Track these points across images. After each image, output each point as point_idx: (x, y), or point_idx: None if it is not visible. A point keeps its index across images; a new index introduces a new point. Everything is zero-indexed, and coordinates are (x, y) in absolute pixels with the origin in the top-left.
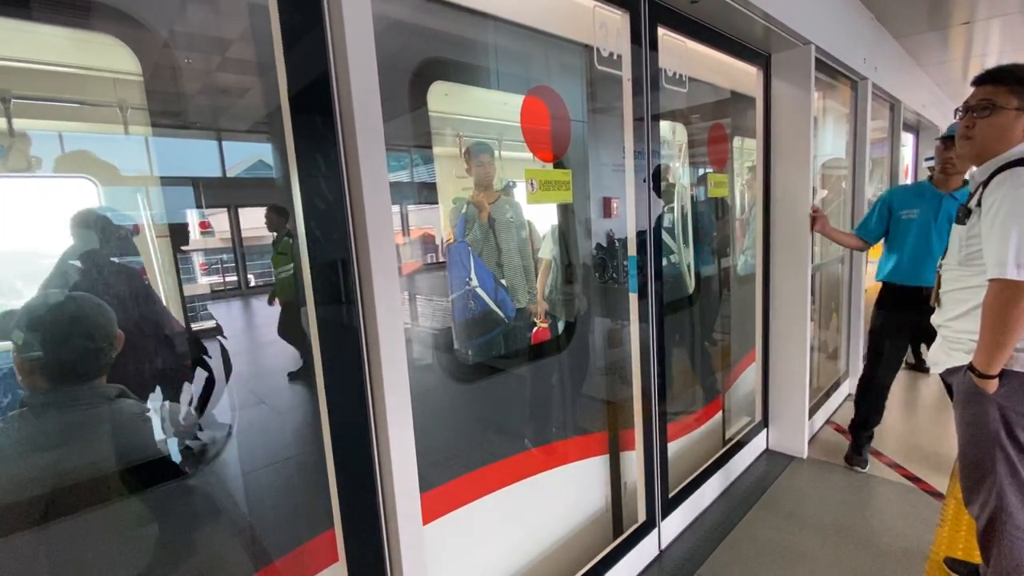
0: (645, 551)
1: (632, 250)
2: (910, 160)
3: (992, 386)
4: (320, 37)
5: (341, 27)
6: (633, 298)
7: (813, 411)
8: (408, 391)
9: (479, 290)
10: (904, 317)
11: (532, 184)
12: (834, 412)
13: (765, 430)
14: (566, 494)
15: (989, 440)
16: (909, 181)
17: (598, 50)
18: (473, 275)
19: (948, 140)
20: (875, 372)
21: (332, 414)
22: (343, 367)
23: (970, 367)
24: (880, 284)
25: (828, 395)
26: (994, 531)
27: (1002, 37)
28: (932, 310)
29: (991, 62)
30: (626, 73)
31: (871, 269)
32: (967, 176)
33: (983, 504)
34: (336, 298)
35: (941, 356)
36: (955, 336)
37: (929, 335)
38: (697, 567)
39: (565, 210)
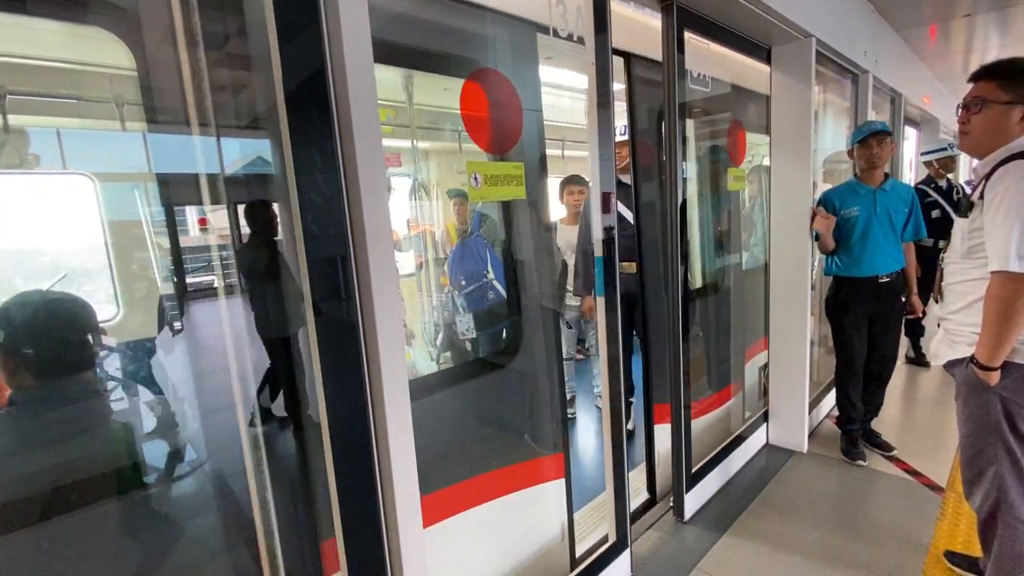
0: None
1: (598, 251)
2: (913, 155)
3: (994, 378)
4: (316, 32)
5: (337, 21)
6: (600, 301)
7: (813, 405)
8: (407, 392)
9: (495, 282)
10: (864, 306)
11: (475, 178)
12: (834, 406)
13: (765, 424)
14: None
15: (991, 432)
16: (912, 176)
17: (554, 30)
18: (490, 267)
19: (870, 138)
20: (849, 365)
21: (332, 418)
22: (342, 368)
23: (972, 359)
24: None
25: (828, 389)
26: (995, 523)
27: (1003, 30)
28: (886, 297)
29: (992, 55)
30: (589, 56)
31: None
32: (972, 168)
33: (984, 496)
34: (335, 295)
35: (943, 349)
36: (957, 329)
37: (877, 322)
38: (697, 562)
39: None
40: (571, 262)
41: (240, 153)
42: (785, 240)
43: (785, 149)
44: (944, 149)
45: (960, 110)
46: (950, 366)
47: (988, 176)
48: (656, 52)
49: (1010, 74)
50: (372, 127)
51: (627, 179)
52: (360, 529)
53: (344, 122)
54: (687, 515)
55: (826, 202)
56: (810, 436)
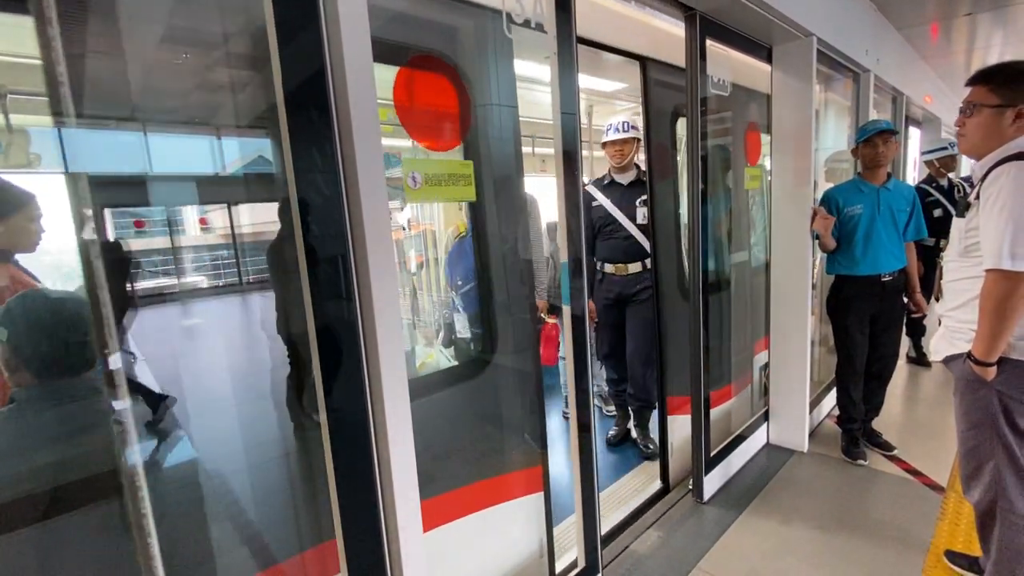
0: None
1: (563, 255)
2: (918, 154)
3: (990, 374)
4: (315, 31)
5: (336, 21)
6: (566, 311)
7: (814, 405)
8: (407, 390)
9: None
10: (866, 305)
11: (413, 179)
12: (835, 406)
13: (766, 424)
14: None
15: (988, 427)
16: (916, 175)
17: (509, 15)
18: None
19: (876, 137)
20: (850, 364)
21: (331, 418)
22: (342, 367)
23: (969, 355)
24: (832, 279)
25: (829, 388)
26: (993, 518)
27: (1005, 29)
28: (888, 295)
29: (994, 54)
30: (551, 46)
31: None
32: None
33: (983, 491)
34: (335, 295)
35: (942, 345)
36: (956, 326)
37: (878, 321)
38: (697, 559)
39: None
40: None
41: (240, 153)
42: (786, 239)
43: (786, 148)
44: (944, 148)
45: (959, 116)
46: (948, 362)
47: (984, 177)
48: (669, 56)
49: (1000, 79)
50: (371, 127)
51: (623, 179)
52: (360, 530)
53: (344, 122)
54: (706, 496)
55: (829, 199)
56: (811, 435)
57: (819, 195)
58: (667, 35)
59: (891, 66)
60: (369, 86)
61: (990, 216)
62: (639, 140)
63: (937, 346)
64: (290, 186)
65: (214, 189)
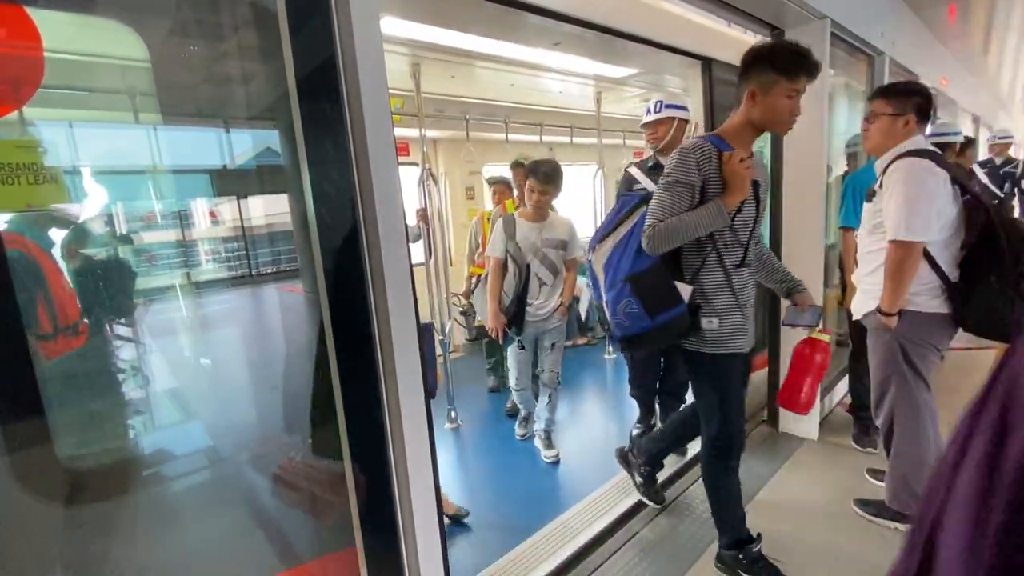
0: None
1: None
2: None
3: (893, 322)
4: (326, 20)
5: (347, 9)
6: None
7: (825, 392)
8: (422, 385)
9: None
10: None
11: None
12: (846, 393)
13: (777, 411)
14: None
15: (891, 363)
16: None
17: None
18: None
19: None
20: (862, 352)
21: (348, 418)
22: (357, 363)
23: (878, 309)
24: None
25: (841, 376)
26: (891, 434)
27: None
28: None
29: (1013, 35)
30: None
31: None
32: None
33: (885, 414)
34: (349, 287)
35: (864, 304)
36: (869, 288)
37: None
38: (698, 557)
39: None
40: (536, 267)
41: (248, 146)
42: (796, 224)
43: (796, 135)
44: (956, 133)
45: (863, 122)
46: (865, 317)
47: (884, 171)
48: (728, 57)
49: (893, 93)
50: (383, 115)
51: (666, 160)
52: (379, 538)
53: (355, 112)
54: (780, 429)
55: (853, 185)
56: (821, 423)
57: (832, 180)
58: (726, 37)
59: (907, 48)
60: (380, 74)
61: (891, 200)
62: (680, 121)
63: (860, 306)
64: (303, 177)
65: (226, 182)
